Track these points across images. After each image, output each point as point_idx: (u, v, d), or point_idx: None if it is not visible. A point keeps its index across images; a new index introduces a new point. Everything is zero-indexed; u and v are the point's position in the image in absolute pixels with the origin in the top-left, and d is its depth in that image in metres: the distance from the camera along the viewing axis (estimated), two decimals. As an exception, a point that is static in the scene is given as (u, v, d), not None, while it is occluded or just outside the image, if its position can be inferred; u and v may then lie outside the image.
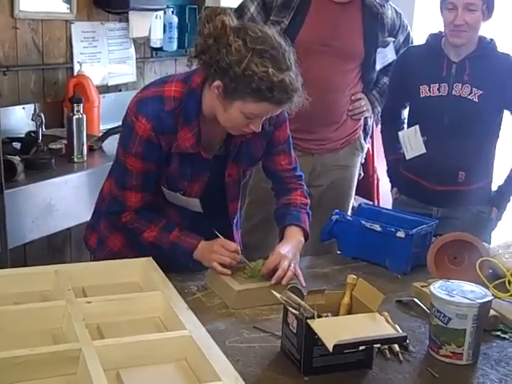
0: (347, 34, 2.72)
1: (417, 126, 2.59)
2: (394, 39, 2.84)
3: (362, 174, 3.23)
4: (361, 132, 2.99)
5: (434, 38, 2.58)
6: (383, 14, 2.76)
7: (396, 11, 2.84)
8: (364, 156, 3.17)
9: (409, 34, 2.92)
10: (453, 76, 2.51)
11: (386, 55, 2.86)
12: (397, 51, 2.89)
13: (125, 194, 1.92)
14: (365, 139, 3.05)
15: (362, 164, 3.15)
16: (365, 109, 2.89)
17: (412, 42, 2.95)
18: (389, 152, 2.84)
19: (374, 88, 2.94)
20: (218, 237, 1.94)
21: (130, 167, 1.88)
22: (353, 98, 2.85)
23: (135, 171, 1.88)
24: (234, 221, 2.12)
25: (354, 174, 3.02)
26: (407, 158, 2.66)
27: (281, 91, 1.69)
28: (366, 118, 3.00)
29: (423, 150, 2.59)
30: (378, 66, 2.86)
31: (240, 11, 2.76)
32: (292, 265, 1.87)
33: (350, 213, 2.88)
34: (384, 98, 2.93)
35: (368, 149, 4.02)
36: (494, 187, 2.70)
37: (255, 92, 1.69)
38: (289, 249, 1.93)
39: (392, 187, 2.86)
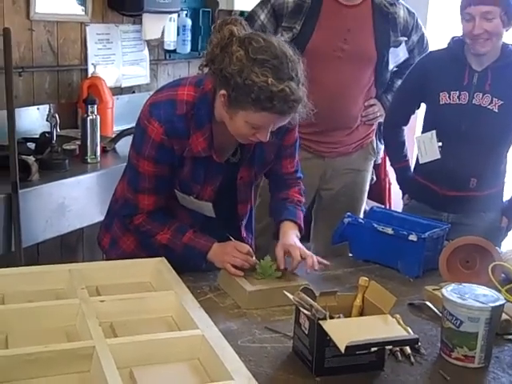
0: (359, 37, 2.72)
1: (433, 132, 2.57)
2: (406, 38, 2.83)
3: (375, 179, 3.22)
4: (374, 136, 2.99)
5: (457, 44, 2.54)
6: (395, 14, 2.75)
7: (409, 11, 2.82)
8: (379, 160, 3.16)
9: (423, 34, 2.91)
10: (474, 85, 2.48)
11: (397, 54, 2.84)
12: (411, 51, 2.88)
13: (137, 196, 1.93)
14: (379, 142, 3.04)
15: (374, 168, 3.14)
16: (378, 114, 2.89)
17: (427, 43, 2.93)
18: (395, 160, 2.82)
19: (388, 92, 2.93)
20: (231, 240, 1.95)
21: (143, 170, 1.88)
22: (366, 103, 2.85)
23: (148, 174, 1.89)
24: (243, 222, 2.13)
25: (366, 178, 3.02)
26: (421, 162, 2.65)
27: (281, 101, 1.68)
28: (379, 122, 2.99)
29: (437, 156, 2.58)
30: (391, 66, 2.85)
31: (250, 19, 2.76)
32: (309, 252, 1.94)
33: (361, 217, 2.88)
34: None
35: (379, 153, 4.04)
36: (506, 195, 2.68)
37: (255, 102, 1.68)
38: (296, 240, 1.97)
39: (403, 194, 2.85)
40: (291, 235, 1.99)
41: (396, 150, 2.78)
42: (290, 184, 2.14)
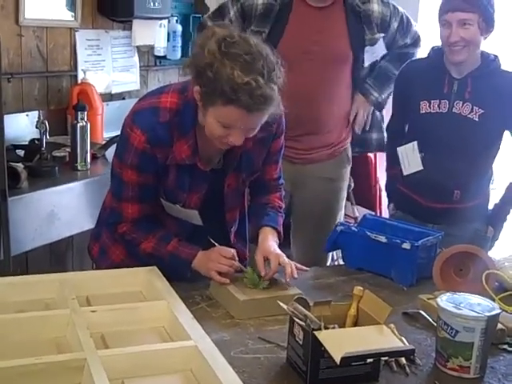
0: (331, 38, 2.69)
1: (415, 143, 2.55)
2: (383, 34, 2.78)
3: (352, 186, 3.18)
4: (348, 144, 2.95)
5: (437, 53, 2.52)
6: (368, 11, 2.71)
7: (383, 1, 2.76)
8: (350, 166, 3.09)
9: (402, 16, 2.81)
10: (454, 93, 2.46)
11: (375, 51, 2.80)
12: (393, 39, 2.82)
13: (121, 205, 1.91)
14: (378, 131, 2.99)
15: (363, 174, 3.10)
16: (365, 118, 2.86)
17: (409, 21, 2.84)
18: (391, 166, 2.80)
19: (368, 76, 2.87)
20: (215, 245, 1.93)
21: (126, 179, 1.86)
22: (350, 118, 2.81)
23: (131, 183, 1.87)
24: (232, 229, 2.11)
25: (342, 187, 2.96)
26: (404, 173, 2.62)
27: (246, 94, 1.64)
28: (373, 114, 2.94)
29: (420, 167, 2.55)
30: (367, 64, 2.81)
31: (221, 10, 2.75)
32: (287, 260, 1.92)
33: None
34: (379, 81, 2.86)
35: (370, 158, 4.02)
36: (491, 206, 2.65)
37: (221, 94, 1.65)
38: (275, 247, 1.95)
39: (389, 203, 2.83)
40: (270, 241, 1.97)
41: (393, 156, 2.75)
42: (272, 189, 2.12)
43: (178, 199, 1.93)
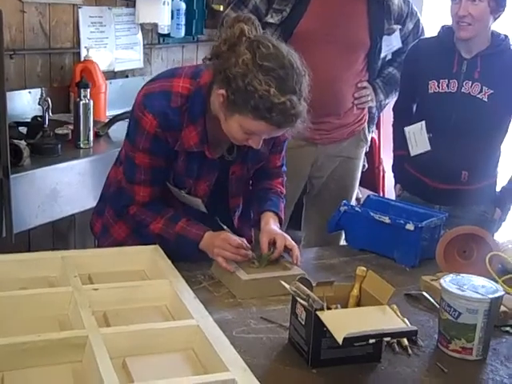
0: (352, 22, 2.68)
1: (423, 122, 2.55)
2: (400, 26, 2.80)
3: (366, 166, 3.20)
4: (366, 123, 2.96)
5: (447, 32, 2.51)
6: (389, 1, 2.72)
7: None
8: (368, 146, 3.13)
9: (418, 20, 2.88)
10: (463, 73, 2.45)
11: (390, 43, 2.82)
12: (406, 39, 2.86)
13: (133, 188, 1.91)
14: (369, 128, 3.01)
15: (366, 155, 3.11)
16: (369, 98, 2.87)
17: (422, 30, 2.90)
18: (397, 147, 2.79)
19: (378, 77, 2.90)
20: (223, 228, 1.92)
21: (138, 162, 1.86)
22: (359, 85, 2.82)
23: (143, 166, 1.86)
24: (236, 214, 2.10)
25: (358, 165, 2.99)
26: (412, 154, 2.62)
27: (279, 114, 1.65)
28: (370, 107, 2.97)
29: (428, 147, 2.55)
30: (383, 54, 2.83)
31: (243, 1, 2.73)
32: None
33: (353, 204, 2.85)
34: (388, 87, 2.90)
35: (374, 140, 4.01)
36: (498, 188, 2.65)
37: (254, 110, 1.65)
38: (278, 230, 1.95)
39: (396, 183, 2.82)
40: (273, 225, 1.97)
41: (400, 137, 2.72)
42: (274, 175, 2.12)
43: (185, 185, 1.93)
